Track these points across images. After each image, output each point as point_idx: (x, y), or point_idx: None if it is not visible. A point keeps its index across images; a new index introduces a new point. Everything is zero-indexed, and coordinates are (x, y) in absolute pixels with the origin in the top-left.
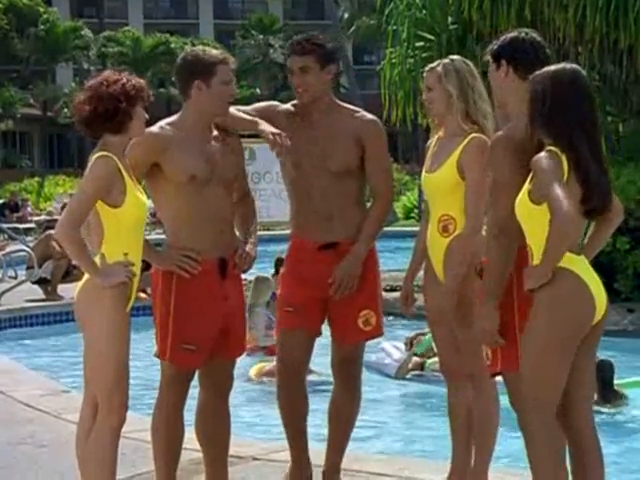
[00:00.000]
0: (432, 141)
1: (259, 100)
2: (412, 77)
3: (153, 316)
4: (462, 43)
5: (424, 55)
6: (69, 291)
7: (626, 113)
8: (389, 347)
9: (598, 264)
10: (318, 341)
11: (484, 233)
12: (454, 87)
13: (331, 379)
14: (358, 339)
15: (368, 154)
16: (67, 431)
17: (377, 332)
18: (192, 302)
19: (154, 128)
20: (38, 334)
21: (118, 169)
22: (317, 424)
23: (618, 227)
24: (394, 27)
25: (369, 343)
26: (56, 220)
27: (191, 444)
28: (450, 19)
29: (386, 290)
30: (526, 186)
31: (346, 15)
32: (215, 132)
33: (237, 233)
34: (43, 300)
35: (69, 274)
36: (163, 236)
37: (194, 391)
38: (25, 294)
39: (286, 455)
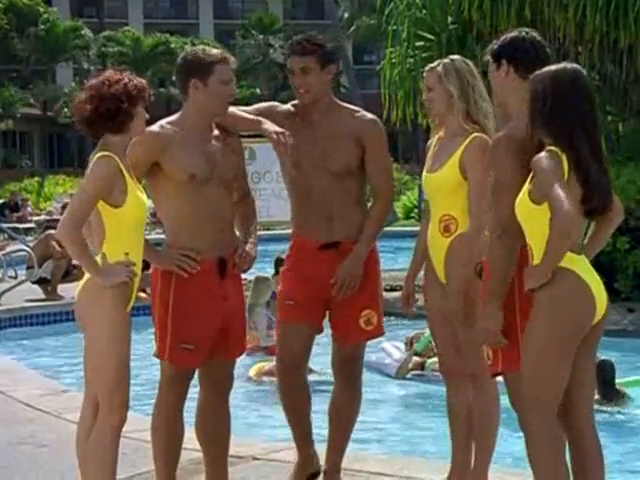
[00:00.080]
0: (432, 141)
1: (259, 100)
2: (412, 77)
3: (152, 316)
4: (462, 43)
5: (424, 55)
6: (69, 291)
7: (626, 113)
8: (389, 347)
9: (598, 264)
10: (319, 341)
11: (486, 233)
12: (455, 87)
13: (331, 379)
14: (359, 339)
15: (368, 154)
16: (67, 431)
17: (378, 332)
18: (191, 302)
19: (154, 127)
20: (38, 334)
21: (119, 169)
22: (317, 424)
23: (618, 227)
24: (394, 27)
25: (369, 343)
26: (56, 220)
27: (191, 444)
28: (450, 19)
29: (386, 290)
30: (526, 186)
31: (346, 15)
32: (216, 132)
33: (237, 233)
34: (43, 300)
35: (69, 274)
36: (163, 236)
37: (194, 391)
38: (25, 294)
39: (286, 455)
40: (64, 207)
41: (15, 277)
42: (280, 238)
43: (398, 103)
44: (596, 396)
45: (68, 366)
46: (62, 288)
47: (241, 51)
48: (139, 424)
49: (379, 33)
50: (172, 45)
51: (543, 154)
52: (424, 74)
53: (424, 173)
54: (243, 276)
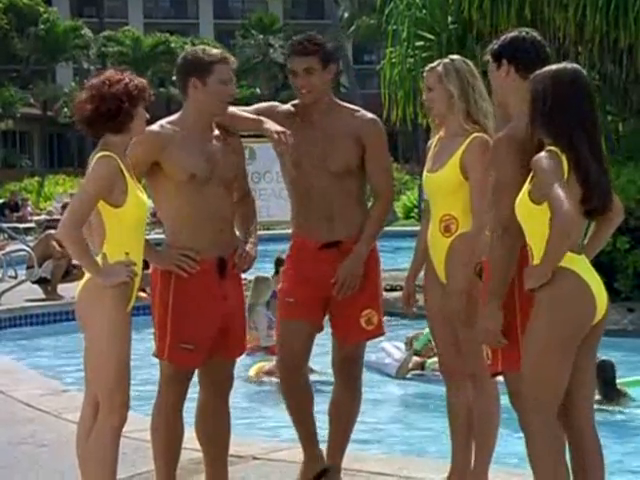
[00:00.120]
0: (433, 141)
1: (259, 100)
2: (412, 77)
3: (152, 315)
4: (462, 43)
5: (424, 55)
6: (69, 291)
7: (626, 112)
8: (389, 347)
9: (598, 263)
10: (318, 341)
11: (487, 233)
12: (455, 87)
13: (331, 379)
14: (360, 338)
15: (368, 153)
16: (67, 431)
17: (379, 331)
18: (190, 301)
19: (155, 127)
20: (38, 334)
21: (120, 169)
22: (317, 424)
23: (618, 227)
24: (394, 27)
25: (369, 343)
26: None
27: (191, 443)
28: (450, 19)
29: (386, 290)
30: (526, 186)
31: (346, 14)
32: (216, 131)
33: (237, 233)
34: (43, 300)
35: (69, 274)
36: (163, 236)
37: (194, 391)
38: (25, 294)
39: (286, 454)
40: (64, 207)
41: (15, 277)
42: (280, 238)
43: (398, 103)
44: (597, 396)
45: (68, 366)
46: (62, 288)
47: (241, 51)
48: (139, 424)
49: (379, 33)
50: (172, 45)
51: (543, 154)
52: (424, 74)
53: (424, 173)
54: (243, 276)
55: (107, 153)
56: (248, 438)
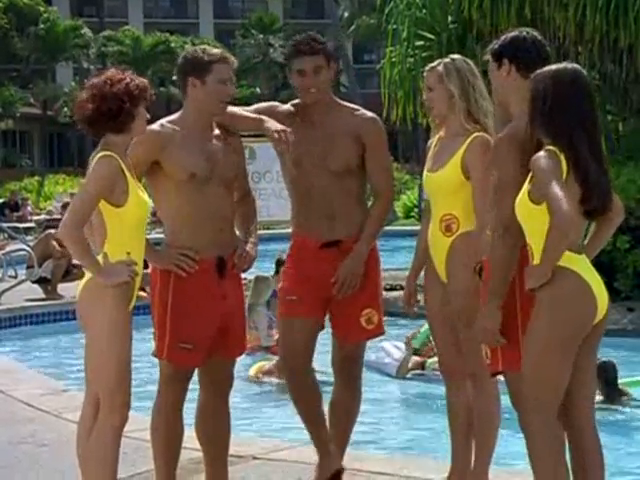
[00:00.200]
0: (433, 141)
1: (259, 99)
2: (412, 76)
3: (151, 315)
4: (462, 42)
5: (424, 54)
6: (69, 290)
7: (626, 112)
8: (389, 347)
9: (598, 263)
10: (318, 340)
11: (487, 232)
12: (455, 86)
13: (332, 379)
14: (360, 338)
15: (368, 152)
16: (68, 430)
17: (379, 331)
18: (189, 301)
19: (155, 126)
20: (38, 333)
21: (121, 169)
22: None
23: (618, 226)
24: (394, 26)
25: (369, 342)
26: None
27: (191, 443)
28: (450, 18)
29: (386, 289)
30: (526, 186)
31: (346, 14)
32: (217, 131)
33: (237, 232)
34: (43, 299)
35: (69, 273)
36: (163, 235)
37: (194, 391)
38: (25, 293)
39: (286, 454)
40: (64, 206)
41: (15, 276)
42: (280, 237)
43: (398, 102)
44: (599, 397)
45: (68, 365)
46: (62, 287)
47: (241, 50)
48: (139, 423)
49: (379, 32)
50: (172, 44)
51: (541, 153)
52: (424, 74)
53: (425, 173)
54: (243, 276)
55: (108, 153)
56: (248, 438)
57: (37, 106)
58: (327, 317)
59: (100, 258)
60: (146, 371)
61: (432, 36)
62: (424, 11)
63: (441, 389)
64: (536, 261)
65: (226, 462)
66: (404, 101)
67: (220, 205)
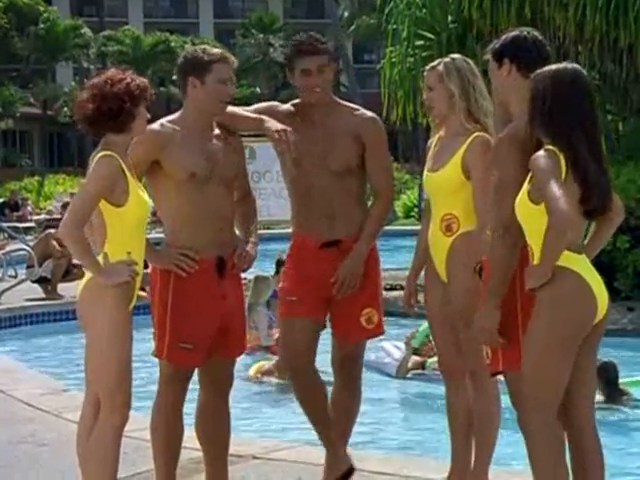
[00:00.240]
0: (433, 140)
1: (259, 99)
2: (412, 76)
3: (151, 315)
4: (462, 42)
5: (424, 54)
6: (69, 290)
7: (626, 112)
8: (389, 346)
9: (598, 263)
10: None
11: (487, 232)
12: (456, 86)
13: (331, 379)
14: (360, 337)
15: (368, 152)
16: (68, 430)
17: (379, 331)
18: (189, 301)
19: (155, 125)
20: (38, 333)
21: (121, 169)
22: None
23: (618, 226)
24: (394, 26)
25: (369, 342)
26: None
27: (191, 443)
28: (450, 18)
29: (386, 289)
30: (525, 186)
31: (346, 14)
32: (217, 131)
33: (237, 232)
34: (43, 299)
35: (69, 273)
36: (163, 235)
37: (194, 391)
38: (25, 293)
39: (286, 454)
40: (64, 206)
41: (15, 276)
42: (280, 237)
43: (398, 102)
44: (600, 397)
45: (68, 365)
46: (62, 287)
47: (241, 50)
48: (139, 423)
49: (379, 32)
50: (172, 44)
51: (540, 153)
52: (425, 73)
53: (425, 172)
54: (242, 275)
55: (108, 153)
56: (248, 438)
57: (37, 106)
58: (327, 317)
59: (100, 258)
60: (146, 371)
61: (432, 36)
62: (424, 11)
63: (441, 389)
64: (536, 261)
65: (226, 462)
66: (404, 101)
67: (220, 205)
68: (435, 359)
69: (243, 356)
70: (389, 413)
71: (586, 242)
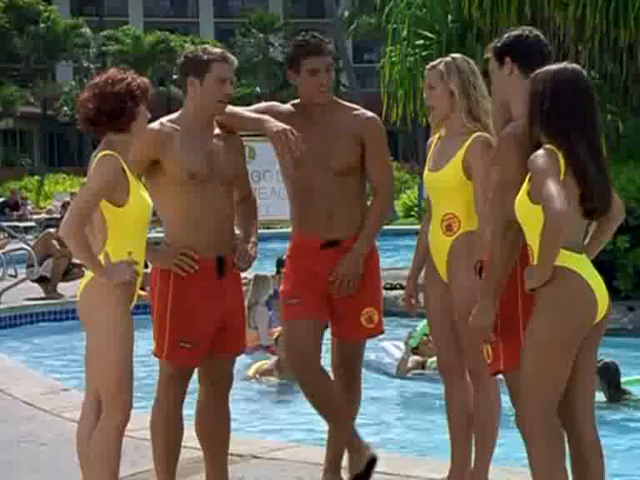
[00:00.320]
0: (433, 139)
1: (259, 98)
2: (412, 75)
3: (151, 314)
4: (462, 41)
5: (424, 53)
6: (69, 289)
7: (626, 111)
8: (389, 346)
9: (598, 262)
10: None
11: (487, 231)
12: (456, 85)
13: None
14: (361, 337)
15: (368, 152)
16: (67, 429)
17: (379, 330)
18: (189, 300)
19: (155, 125)
20: (38, 332)
21: (122, 168)
22: (317, 424)
23: (618, 225)
24: (394, 25)
25: (369, 342)
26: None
27: (191, 443)
28: (450, 17)
29: (386, 288)
30: (525, 186)
31: (346, 13)
32: (217, 130)
33: (237, 232)
34: (43, 298)
35: (69, 272)
36: (163, 235)
37: (194, 390)
38: (25, 292)
39: (286, 453)
40: (64, 206)
41: (15, 275)
42: (280, 237)
43: (398, 102)
44: (602, 397)
45: (68, 364)
46: (62, 287)
47: (241, 50)
48: (140, 422)
49: (379, 31)
50: (172, 44)
51: (539, 152)
52: (425, 72)
53: (426, 172)
54: (242, 275)
55: (109, 152)
56: (248, 437)
57: (37, 105)
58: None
59: (101, 257)
60: (146, 371)
61: (432, 35)
62: (424, 10)
63: (441, 389)
64: (536, 261)
65: (226, 461)
66: (404, 100)
67: (220, 205)
68: (435, 359)
69: (243, 356)
70: (389, 413)
71: (586, 242)
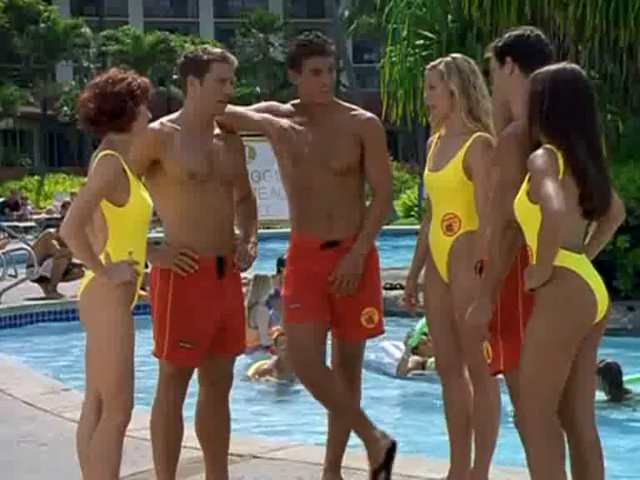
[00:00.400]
0: (433, 139)
1: (259, 98)
2: (412, 75)
3: (151, 314)
4: (462, 41)
5: (424, 53)
6: (69, 289)
7: (626, 111)
8: (389, 346)
9: (598, 262)
10: None
11: (487, 231)
12: (456, 85)
13: None
14: (361, 336)
15: (367, 152)
16: (67, 429)
17: (379, 330)
18: (189, 300)
19: (155, 125)
20: (38, 332)
21: (123, 168)
22: (317, 424)
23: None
24: (394, 25)
25: (369, 342)
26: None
27: (191, 443)
28: (450, 17)
29: (386, 288)
30: (524, 186)
31: (346, 13)
32: (217, 130)
33: (237, 232)
34: (43, 298)
35: (69, 272)
36: (163, 235)
37: (194, 389)
38: (25, 292)
39: (286, 453)
40: (64, 206)
41: (15, 275)
42: (280, 237)
43: (398, 102)
44: (604, 397)
45: (68, 364)
46: (62, 287)
47: (241, 50)
48: (140, 422)
49: (379, 31)
50: (172, 44)
51: (538, 152)
52: (426, 72)
53: (426, 172)
54: (242, 275)
55: (110, 152)
56: (248, 437)
57: (37, 105)
58: None
59: (102, 257)
60: (146, 370)
61: (432, 35)
62: (424, 10)
63: (441, 389)
64: (535, 261)
65: (226, 461)
66: (404, 100)
67: (220, 204)
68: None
69: (243, 356)
70: (389, 413)
71: (586, 242)
